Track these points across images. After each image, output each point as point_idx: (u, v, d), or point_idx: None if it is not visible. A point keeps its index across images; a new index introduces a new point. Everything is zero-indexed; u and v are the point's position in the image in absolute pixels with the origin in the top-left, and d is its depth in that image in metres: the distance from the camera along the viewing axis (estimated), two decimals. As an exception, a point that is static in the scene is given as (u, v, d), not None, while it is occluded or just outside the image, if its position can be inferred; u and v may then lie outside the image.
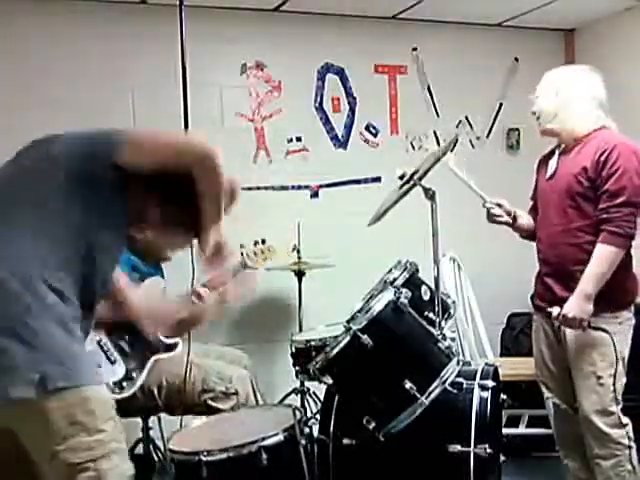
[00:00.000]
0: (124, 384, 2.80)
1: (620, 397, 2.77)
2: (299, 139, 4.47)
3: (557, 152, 2.90)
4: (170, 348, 2.97)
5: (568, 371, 2.86)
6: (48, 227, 1.83)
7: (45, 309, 1.75)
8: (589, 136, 2.79)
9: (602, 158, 2.69)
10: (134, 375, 2.84)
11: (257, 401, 3.14)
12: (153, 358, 2.92)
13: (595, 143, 2.75)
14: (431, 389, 2.47)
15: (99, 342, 2.79)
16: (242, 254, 3.54)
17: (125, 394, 2.77)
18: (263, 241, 3.66)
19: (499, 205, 2.97)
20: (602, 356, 2.74)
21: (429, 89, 4.72)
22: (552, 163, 2.89)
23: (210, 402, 2.98)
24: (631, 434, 2.78)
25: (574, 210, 2.77)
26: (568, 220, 2.77)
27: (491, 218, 2.98)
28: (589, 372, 2.75)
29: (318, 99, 4.51)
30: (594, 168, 2.70)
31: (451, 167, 2.91)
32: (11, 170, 1.92)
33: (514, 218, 2.98)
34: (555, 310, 2.74)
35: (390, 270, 2.91)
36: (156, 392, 2.96)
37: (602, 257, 2.68)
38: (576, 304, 2.69)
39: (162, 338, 2.89)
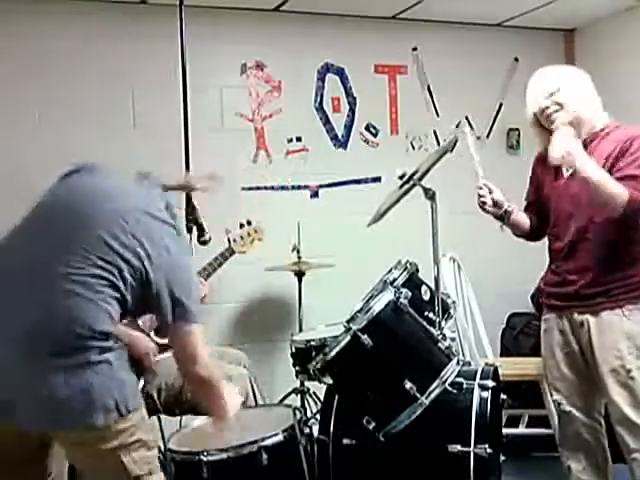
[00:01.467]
0: None
1: None
2: (299, 139, 4.47)
3: None
4: (166, 348, 2.93)
5: (583, 374, 2.83)
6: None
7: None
8: (604, 130, 2.75)
9: (626, 144, 2.66)
10: None
11: (257, 400, 3.13)
12: None
13: (621, 133, 2.72)
14: (431, 389, 2.47)
15: None
16: (229, 240, 3.50)
17: None
18: (249, 222, 3.59)
19: (489, 190, 2.88)
20: (629, 349, 2.69)
21: (429, 89, 4.72)
22: None
23: None
24: None
25: None
26: (597, 213, 2.70)
27: (478, 200, 2.90)
28: (618, 366, 2.70)
29: (318, 99, 4.51)
30: (616, 155, 2.66)
31: (464, 131, 2.84)
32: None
33: (506, 212, 2.93)
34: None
35: (390, 270, 2.90)
36: (155, 396, 2.92)
37: (613, 186, 2.57)
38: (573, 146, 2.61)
39: (155, 338, 2.84)
